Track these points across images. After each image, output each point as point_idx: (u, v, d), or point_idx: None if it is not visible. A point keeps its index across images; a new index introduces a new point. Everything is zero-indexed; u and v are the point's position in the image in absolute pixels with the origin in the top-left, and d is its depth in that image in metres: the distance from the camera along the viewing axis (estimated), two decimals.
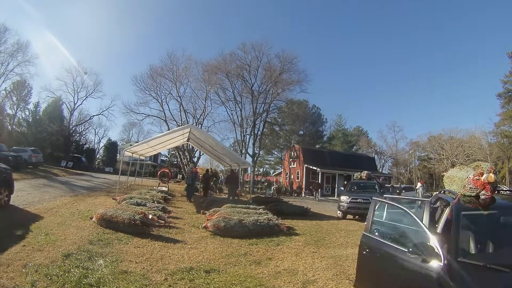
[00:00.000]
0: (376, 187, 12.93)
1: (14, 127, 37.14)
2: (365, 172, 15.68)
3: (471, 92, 78.44)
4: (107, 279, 3.48)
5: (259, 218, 7.10)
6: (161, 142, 15.25)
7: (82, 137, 45.76)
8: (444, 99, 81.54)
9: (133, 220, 5.77)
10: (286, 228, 7.23)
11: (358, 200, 10.97)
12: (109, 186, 15.61)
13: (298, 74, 30.43)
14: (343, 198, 11.38)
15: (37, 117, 36.34)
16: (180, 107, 30.63)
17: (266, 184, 22.18)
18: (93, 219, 6.23)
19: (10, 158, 15.96)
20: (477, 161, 3.29)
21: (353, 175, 15.14)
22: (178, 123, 29.29)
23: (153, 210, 7.60)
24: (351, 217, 11.38)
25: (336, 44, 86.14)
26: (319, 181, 26.64)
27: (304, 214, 10.89)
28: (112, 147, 43.01)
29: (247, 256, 5.05)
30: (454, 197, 2.93)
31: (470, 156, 42.18)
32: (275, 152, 50.32)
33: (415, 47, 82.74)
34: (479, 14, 72.64)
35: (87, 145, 46.53)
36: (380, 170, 45.52)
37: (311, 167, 28.56)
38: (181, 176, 33.33)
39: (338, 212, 11.56)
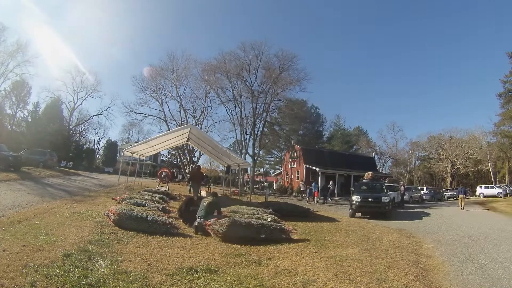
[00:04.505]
0: (383, 187, 14.35)
1: (14, 127, 37.17)
2: (370, 173, 17.41)
3: (471, 92, 78.74)
4: (107, 279, 3.47)
5: (262, 218, 7.07)
6: (161, 142, 15.25)
7: (82, 137, 45.88)
8: (444, 99, 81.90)
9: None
10: (292, 231, 6.80)
11: (369, 199, 12.56)
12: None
13: (298, 73, 30.44)
14: (354, 197, 12.80)
15: (37, 117, 36.37)
16: (180, 107, 30.65)
17: (266, 184, 22.14)
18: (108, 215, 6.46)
19: (10, 158, 15.98)
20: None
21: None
22: (178, 123, 29.28)
23: (153, 210, 7.59)
24: (351, 217, 11.27)
25: (335, 44, 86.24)
26: (319, 181, 26.56)
27: (305, 215, 10.81)
28: (112, 147, 43.03)
29: (247, 256, 5.05)
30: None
31: (470, 156, 42.15)
32: (275, 152, 50.35)
33: (415, 47, 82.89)
34: (479, 14, 72.80)
35: (87, 145, 46.60)
36: (380, 170, 45.54)
37: (311, 167, 28.54)
38: (181, 176, 33.32)
39: (350, 210, 12.96)
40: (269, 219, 7.51)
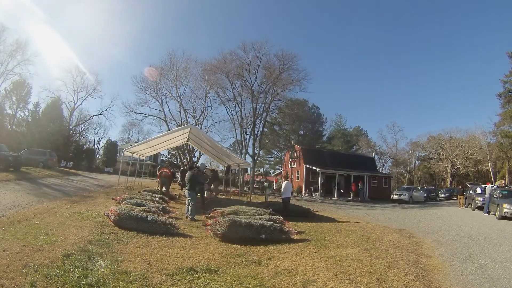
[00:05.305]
0: None
1: (14, 127, 37.18)
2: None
3: (471, 92, 78.73)
4: (107, 279, 3.47)
5: (263, 219, 7.08)
6: (161, 142, 15.25)
7: (82, 137, 45.90)
8: (444, 99, 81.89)
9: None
10: (293, 231, 6.85)
11: None
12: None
13: (298, 73, 30.35)
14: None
15: (37, 117, 36.35)
16: (180, 107, 30.63)
17: (266, 184, 22.11)
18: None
19: (10, 158, 15.98)
20: None
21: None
22: (178, 123, 29.27)
23: (153, 210, 7.59)
24: (351, 217, 11.26)
25: (335, 45, 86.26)
26: (321, 181, 26.52)
27: (305, 215, 10.79)
28: (112, 147, 42.97)
29: (247, 256, 5.05)
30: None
31: (470, 156, 42.15)
32: (275, 152, 50.29)
33: (415, 47, 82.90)
34: (479, 14, 72.83)
35: (87, 145, 46.61)
36: (380, 170, 45.51)
37: (311, 167, 28.52)
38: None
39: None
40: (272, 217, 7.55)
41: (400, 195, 25.24)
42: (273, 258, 5.07)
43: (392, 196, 26.63)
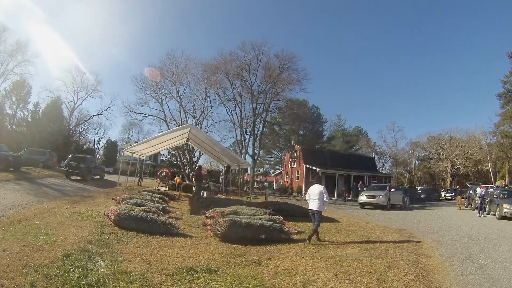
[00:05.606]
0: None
1: (14, 127, 37.19)
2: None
3: (471, 92, 78.70)
4: (106, 279, 3.47)
5: (263, 219, 7.08)
6: (161, 142, 15.24)
7: (82, 137, 45.93)
8: (444, 99, 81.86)
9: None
10: (293, 231, 6.88)
11: None
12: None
13: (298, 73, 30.37)
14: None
15: (37, 117, 36.36)
16: (179, 107, 30.56)
17: (266, 184, 22.13)
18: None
19: (10, 158, 15.98)
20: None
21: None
22: (178, 123, 29.19)
23: (153, 210, 7.59)
24: (351, 217, 11.29)
25: (335, 45, 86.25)
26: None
27: (305, 215, 10.75)
28: (112, 147, 42.95)
29: (246, 256, 5.05)
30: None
31: (470, 156, 42.15)
32: (275, 152, 50.32)
33: (415, 47, 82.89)
34: (479, 14, 72.84)
35: (87, 145, 46.61)
36: (380, 170, 45.49)
37: (311, 167, 28.52)
38: (180, 176, 33.26)
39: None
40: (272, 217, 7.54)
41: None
42: (273, 258, 5.07)
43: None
